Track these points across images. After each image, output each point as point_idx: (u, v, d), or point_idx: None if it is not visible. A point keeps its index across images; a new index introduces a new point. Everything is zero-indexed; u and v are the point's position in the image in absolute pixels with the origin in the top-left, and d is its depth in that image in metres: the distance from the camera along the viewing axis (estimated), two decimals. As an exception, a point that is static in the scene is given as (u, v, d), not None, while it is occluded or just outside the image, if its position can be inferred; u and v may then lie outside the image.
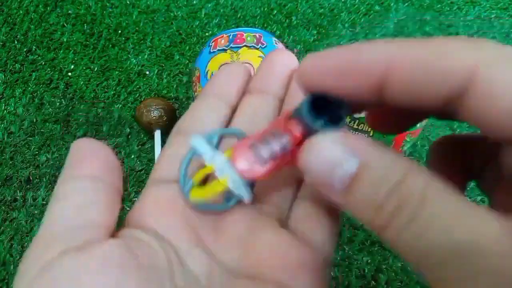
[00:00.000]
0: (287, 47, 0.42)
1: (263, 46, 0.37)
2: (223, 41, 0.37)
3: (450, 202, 0.11)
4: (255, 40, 0.37)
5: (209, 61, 0.37)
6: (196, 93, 0.39)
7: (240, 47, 0.37)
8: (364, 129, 0.35)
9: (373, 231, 0.13)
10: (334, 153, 0.13)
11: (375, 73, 0.13)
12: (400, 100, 0.13)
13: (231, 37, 0.38)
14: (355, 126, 0.35)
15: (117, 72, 0.49)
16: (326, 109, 0.14)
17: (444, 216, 0.11)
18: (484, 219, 0.11)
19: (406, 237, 0.12)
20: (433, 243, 0.11)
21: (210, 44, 0.38)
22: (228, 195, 0.17)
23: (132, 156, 0.43)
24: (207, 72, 0.37)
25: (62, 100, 0.47)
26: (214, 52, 0.37)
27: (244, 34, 0.38)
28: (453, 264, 0.11)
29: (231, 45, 0.37)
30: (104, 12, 0.54)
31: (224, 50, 0.37)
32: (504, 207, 0.13)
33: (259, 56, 0.36)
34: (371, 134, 0.35)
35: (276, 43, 0.39)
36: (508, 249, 0.10)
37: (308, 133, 0.14)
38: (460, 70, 0.12)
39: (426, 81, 0.12)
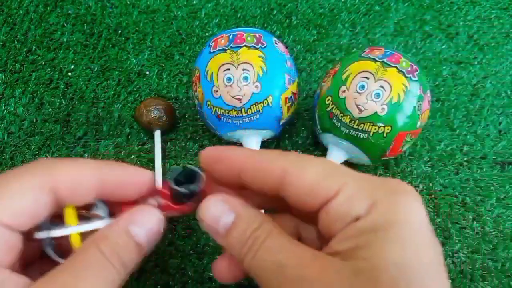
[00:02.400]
0: (287, 47, 0.42)
1: (263, 46, 0.37)
2: (223, 41, 0.37)
3: (282, 240, 0.20)
4: (255, 40, 0.37)
5: (209, 61, 0.37)
6: (196, 93, 0.39)
7: (240, 47, 0.37)
8: (363, 128, 0.35)
9: (241, 262, 0.20)
10: (218, 208, 0.21)
11: (235, 168, 0.22)
12: (251, 186, 0.22)
13: (231, 37, 0.38)
14: (355, 126, 0.35)
15: (117, 72, 0.49)
16: (191, 177, 0.23)
17: (276, 248, 0.19)
18: (300, 250, 0.19)
19: (257, 262, 0.19)
20: (267, 265, 0.19)
21: (210, 44, 0.38)
22: None
23: (132, 156, 0.43)
24: (207, 72, 0.37)
25: (62, 100, 0.47)
26: (214, 52, 0.37)
27: (244, 34, 0.38)
28: (277, 278, 0.19)
29: (231, 45, 0.37)
30: (104, 12, 0.54)
31: (224, 50, 0.37)
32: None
33: (259, 56, 0.36)
34: (371, 135, 0.35)
35: (276, 43, 0.39)
36: (311, 270, 0.18)
37: (174, 193, 0.23)
38: (275, 170, 0.21)
39: (259, 177, 0.21)
